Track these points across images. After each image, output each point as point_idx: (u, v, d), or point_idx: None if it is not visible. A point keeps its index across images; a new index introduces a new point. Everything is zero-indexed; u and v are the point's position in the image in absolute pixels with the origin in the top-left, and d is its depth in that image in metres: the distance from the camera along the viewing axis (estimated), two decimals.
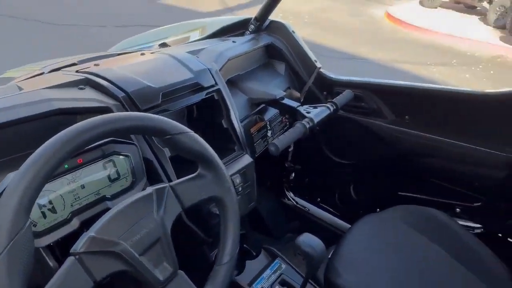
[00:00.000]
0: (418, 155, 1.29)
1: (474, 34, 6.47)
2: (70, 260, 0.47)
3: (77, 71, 0.91)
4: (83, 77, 0.86)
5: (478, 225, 1.25)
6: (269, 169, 1.62)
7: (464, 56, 5.64)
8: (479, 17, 7.60)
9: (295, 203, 1.69)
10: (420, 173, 1.33)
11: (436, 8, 8.18)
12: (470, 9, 8.03)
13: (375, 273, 0.99)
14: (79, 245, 0.48)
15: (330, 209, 1.60)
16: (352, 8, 7.72)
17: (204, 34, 1.42)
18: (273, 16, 1.40)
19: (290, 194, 1.71)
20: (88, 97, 0.80)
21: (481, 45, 6.12)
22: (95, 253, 0.48)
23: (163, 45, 1.40)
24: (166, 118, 0.57)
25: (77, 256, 0.47)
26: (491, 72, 5.08)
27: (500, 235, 1.21)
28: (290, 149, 1.60)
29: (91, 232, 0.49)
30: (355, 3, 8.14)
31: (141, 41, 1.62)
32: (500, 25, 6.76)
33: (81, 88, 0.83)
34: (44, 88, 0.80)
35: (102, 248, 0.49)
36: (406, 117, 1.28)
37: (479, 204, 1.24)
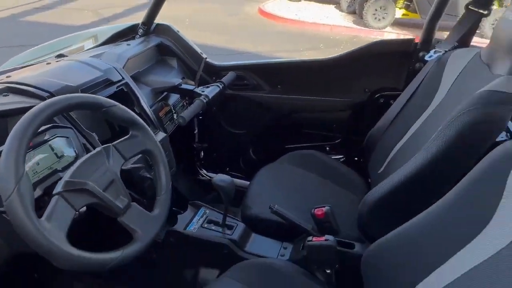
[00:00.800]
0: (292, 113, 1.69)
1: (333, 20, 7.56)
2: (55, 198, 0.67)
3: None
4: (3, 87, 0.99)
5: (342, 156, 1.71)
6: (180, 152, 1.86)
7: (328, 40, 6.58)
8: (334, 5, 8.82)
9: (208, 177, 1.96)
10: (297, 127, 1.74)
11: (300, 1, 9.23)
12: None
13: (276, 201, 1.33)
14: (59, 187, 0.68)
15: (238, 174, 1.91)
16: (228, 8, 8.21)
17: (98, 42, 1.59)
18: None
19: (203, 171, 1.97)
20: (15, 101, 0.94)
21: (340, 29, 7.19)
22: (72, 191, 0.69)
23: (60, 56, 1.52)
24: (101, 96, 0.79)
25: (59, 195, 0.67)
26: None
27: (356, 158, 1.68)
28: (195, 131, 1.86)
29: (66, 178, 0.69)
30: (230, 3, 8.67)
31: (33, 56, 1.68)
32: (351, 11, 8.00)
33: (5, 95, 0.96)
34: None
35: (76, 187, 0.70)
36: (279, 86, 1.67)
37: (339, 140, 1.70)
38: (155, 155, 0.89)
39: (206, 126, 1.81)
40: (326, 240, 1.00)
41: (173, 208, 1.36)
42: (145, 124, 0.88)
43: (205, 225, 1.21)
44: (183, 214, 1.27)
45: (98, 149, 0.78)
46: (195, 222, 1.22)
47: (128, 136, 0.86)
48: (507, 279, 0.58)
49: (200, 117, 1.78)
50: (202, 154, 1.93)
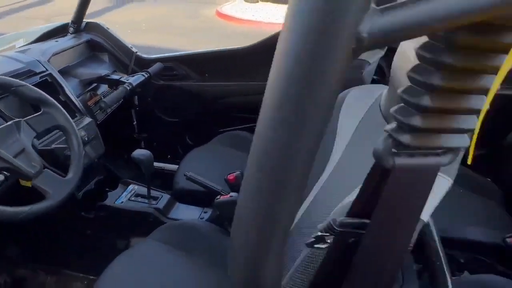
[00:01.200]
0: (221, 99, 1.84)
1: None
2: None
3: None
4: None
5: None
6: (122, 144, 1.97)
7: None
8: None
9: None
10: (227, 111, 1.89)
11: (257, 2, 9.46)
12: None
13: (201, 174, 1.47)
14: None
15: (179, 160, 2.04)
16: (185, 12, 8.31)
17: (29, 41, 1.67)
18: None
19: None
20: None
21: None
22: None
23: None
24: (10, 78, 0.91)
25: None
26: None
27: None
28: (134, 123, 1.97)
29: None
30: (187, 6, 8.76)
31: None
32: None
33: None
34: None
35: None
36: (206, 74, 1.81)
37: None
38: (67, 129, 1.01)
39: (144, 117, 1.93)
40: (230, 196, 1.15)
41: (106, 189, 1.48)
42: (56, 102, 1.00)
43: (132, 198, 1.33)
44: (113, 191, 1.39)
45: (8, 123, 0.90)
46: (124, 197, 1.34)
47: (40, 113, 0.97)
48: (321, 210, 0.75)
49: (137, 108, 1.90)
50: (143, 144, 2.04)
